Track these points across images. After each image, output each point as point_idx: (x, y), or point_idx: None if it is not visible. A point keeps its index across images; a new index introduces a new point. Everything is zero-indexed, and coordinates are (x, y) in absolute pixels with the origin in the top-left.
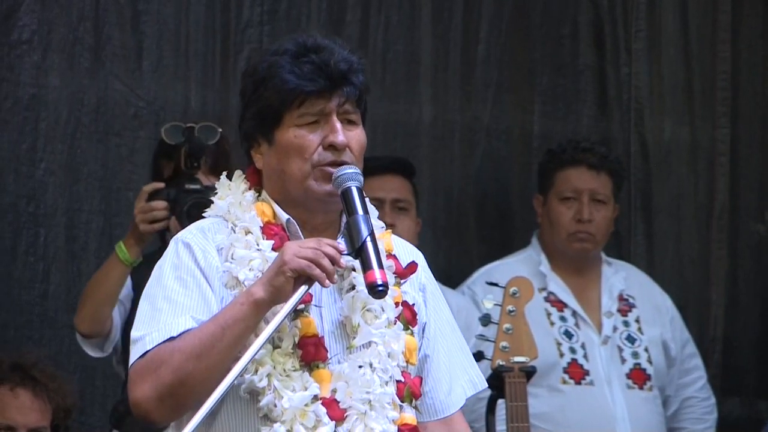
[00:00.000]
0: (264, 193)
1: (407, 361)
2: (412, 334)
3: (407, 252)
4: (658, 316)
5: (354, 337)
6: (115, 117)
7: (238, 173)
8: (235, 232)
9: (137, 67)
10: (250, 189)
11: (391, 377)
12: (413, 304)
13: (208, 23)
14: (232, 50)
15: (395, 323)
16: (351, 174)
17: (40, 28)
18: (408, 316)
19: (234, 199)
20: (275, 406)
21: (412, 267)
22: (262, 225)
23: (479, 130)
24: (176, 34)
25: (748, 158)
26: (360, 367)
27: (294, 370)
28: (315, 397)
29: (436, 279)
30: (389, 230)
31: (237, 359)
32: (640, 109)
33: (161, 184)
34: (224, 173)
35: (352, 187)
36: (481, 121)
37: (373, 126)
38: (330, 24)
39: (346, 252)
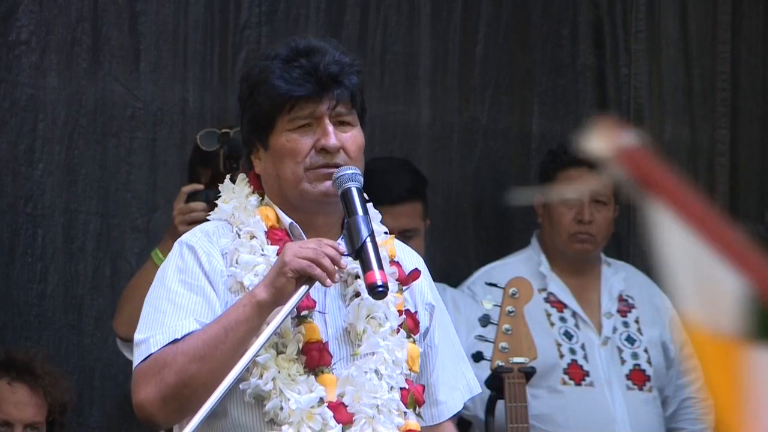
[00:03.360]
0: (267, 198)
1: (410, 369)
2: (414, 342)
3: (410, 259)
4: (658, 316)
5: (359, 344)
6: (113, 118)
7: (241, 177)
8: (240, 236)
9: (135, 68)
10: (253, 193)
11: (396, 384)
12: (415, 312)
13: (206, 24)
14: (230, 51)
15: (398, 331)
16: (351, 174)
17: (38, 28)
18: (410, 325)
19: (238, 203)
20: (281, 409)
21: (415, 274)
22: (266, 230)
23: (477, 131)
24: (174, 35)
25: (748, 159)
26: (366, 372)
27: (299, 375)
28: (321, 401)
29: (434, 280)
30: (392, 236)
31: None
32: (639, 110)
33: (200, 186)
34: (228, 176)
35: (352, 188)
36: (480, 122)
37: (371, 127)
38: (328, 25)
39: (346, 253)
